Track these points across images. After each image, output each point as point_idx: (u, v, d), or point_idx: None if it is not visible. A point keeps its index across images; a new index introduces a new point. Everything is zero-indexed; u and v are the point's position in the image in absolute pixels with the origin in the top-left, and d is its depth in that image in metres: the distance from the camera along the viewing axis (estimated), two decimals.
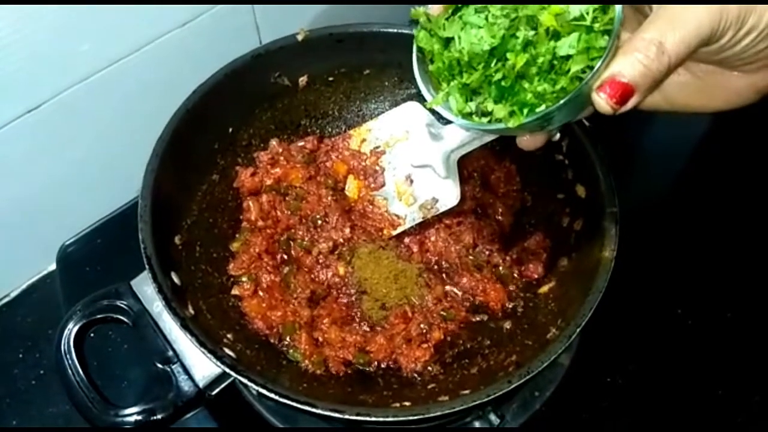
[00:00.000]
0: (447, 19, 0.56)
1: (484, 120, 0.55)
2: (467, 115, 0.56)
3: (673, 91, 0.54)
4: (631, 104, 0.48)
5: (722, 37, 0.47)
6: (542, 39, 0.51)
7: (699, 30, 0.46)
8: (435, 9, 0.57)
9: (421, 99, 0.84)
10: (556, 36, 0.51)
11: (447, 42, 0.56)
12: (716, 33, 0.46)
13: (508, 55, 0.52)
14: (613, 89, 0.47)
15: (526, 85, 0.52)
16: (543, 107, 0.51)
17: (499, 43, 0.52)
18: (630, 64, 0.47)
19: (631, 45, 0.47)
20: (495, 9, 0.54)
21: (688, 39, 0.46)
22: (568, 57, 0.50)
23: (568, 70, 0.50)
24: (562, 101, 0.49)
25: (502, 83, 0.53)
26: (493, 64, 0.53)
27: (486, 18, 0.54)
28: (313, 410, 0.61)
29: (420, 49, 0.58)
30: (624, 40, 0.49)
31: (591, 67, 0.49)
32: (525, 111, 0.52)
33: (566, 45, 0.50)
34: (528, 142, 0.61)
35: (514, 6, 0.53)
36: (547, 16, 0.50)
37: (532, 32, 0.51)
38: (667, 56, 0.46)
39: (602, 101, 0.48)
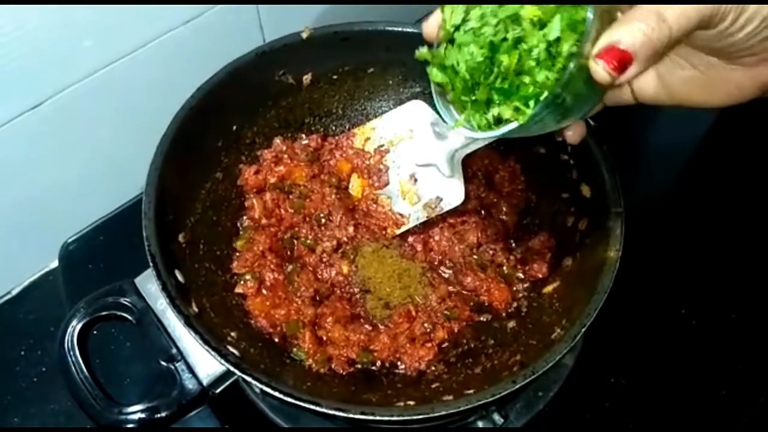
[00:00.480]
0: (446, 48, 0.57)
1: (501, 126, 0.55)
2: (488, 128, 0.57)
3: (675, 85, 0.54)
4: (630, 73, 0.48)
5: (723, 20, 0.47)
6: (530, 32, 0.51)
7: (699, 7, 0.46)
8: (428, 31, 0.58)
9: (425, 98, 0.84)
10: (543, 25, 0.51)
11: (455, 69, 0.57)
12: (717, 13, 0.46)
13: (502, 57, 0.53)
14: (611, 56, 0.47)
15: (527, 79, 0.52)
16: (546, 94, 0.51)
17: (489, 51, 0.53)
18: (629, 31, 0.47)
19: (631, 15, 0.47)
20: (475, 22, 0.55)
21: (689, 12, 0.46)
22: (559, 39, 0.50)
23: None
24: (563, 79, 0.49)
25: (503, 85, 0.54)
26: (493, 72, 0.54)
27: (473, 33, 0.55)
28: (317, 409, 0.60)
29: (439, 83, 0.60)
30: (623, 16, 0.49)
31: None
32: (531, 103, 0.52)
33: (554, 29, 0.50)
34: (572, 136, 0.61)
35: (493, 13, 0.53)
36: (528, 10, 0.51)
37: (518, 29, 0.52)
38: (668, 26, 0.46)
39: (600, 68, 0.47)
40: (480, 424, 0.79)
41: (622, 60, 0.47)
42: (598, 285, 0.68)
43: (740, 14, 0.47)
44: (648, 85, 0.56)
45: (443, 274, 0.83)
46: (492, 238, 0.85)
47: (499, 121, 0.56)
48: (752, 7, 0.46)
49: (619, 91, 0.59)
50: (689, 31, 0.47)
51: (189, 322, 0.64)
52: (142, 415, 0.67)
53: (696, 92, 0.54)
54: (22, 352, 0.89)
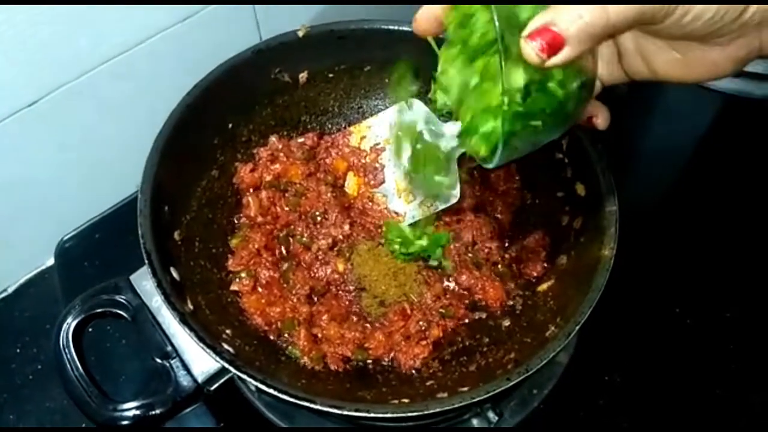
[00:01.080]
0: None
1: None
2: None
3: (657, 66, 0.55)
4: (562, 57, 0.46)
5: (669, 16, 0.47)
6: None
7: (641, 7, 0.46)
8: None
9: (421, 97, 0.84)
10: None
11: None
12: (660, 10, 0.46)
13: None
14: (541, 37, 0.46)
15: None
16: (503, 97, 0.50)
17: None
18: (565, 13, 0.46)
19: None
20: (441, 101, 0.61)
21: (629, 6, 0.46)
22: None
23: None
24: (503, 72, 0.48)
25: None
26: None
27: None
28: (312, 406, 0.61)
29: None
30: None
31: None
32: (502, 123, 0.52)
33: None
34: (601, 123, 0.60)
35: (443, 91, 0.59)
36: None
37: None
38: (606, 13, 0.45)
39: (529, 49, 0.46)
40: (475, 421, 0.79)
41: (552, 42, 0.46)
42: (593, 283, 0.68)
43: (687, 12, 0.46)
44: (636, 64, 0.57)
45: (438, 273, 0.83)
46: (487, 237, 0.85)
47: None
48: (697, 7, 0.46)
49: (610, 69, 0.58)
50: (630, 22, 0.47)
51: (184, 319, 0.64)
52: (137, 412, 0.67)
53: (676, 70, 0.54)
54: (18, 350, 0.89)
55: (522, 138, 0.53)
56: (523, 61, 0.48)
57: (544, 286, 0.78)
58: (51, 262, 0.96)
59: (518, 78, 0.49)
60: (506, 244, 0.85)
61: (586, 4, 0.46)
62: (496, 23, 0.47)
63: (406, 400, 0.65)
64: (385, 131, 0.86)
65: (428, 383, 0.72)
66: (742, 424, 0.82)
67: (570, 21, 0.46)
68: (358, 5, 1.01)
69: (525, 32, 0.47)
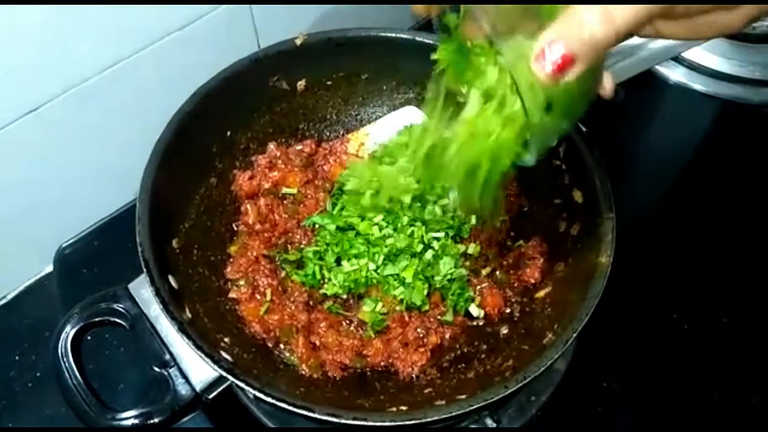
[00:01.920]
0: None
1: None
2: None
3: (664, 29, 0.53)
4: (575, 72, 0.46)
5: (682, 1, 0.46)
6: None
7: (650, 6, 0.45)
8: None
9: (419, 104, 0.85)
10: None
11: None
12: (672, 7, 0.46)
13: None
14: (550, 58, 0.45)
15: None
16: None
17: None
18: (570, 28, 0.45)
19: (574, 9, 0.45)
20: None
21: (637, 9, 0.44)
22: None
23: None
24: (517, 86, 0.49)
25: None
26: None
27: None
28: (310, 414, 0.61)
29: None
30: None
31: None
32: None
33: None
34: (605, 92, 0.58)
35: None
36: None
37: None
38: (614, 25, 0.44)
39: (540, 71, 0.46)
40: (473, 428, 0.79)
41: (563, 61, 0.45)
42: (590, 290, 0.68)
43: None
44: (644, 29, 0.56)
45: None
46: (485, 244, 0.85)
47: None
48: None
49: None
50: (638, 24, 0.45)
51: (182, 327, 0.64)
52: (136, 421, 0.67)
53: (684, 33, 0.53)
54: (17, 357, 0.89)
55: (551, 134, 0.54)
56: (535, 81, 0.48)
57: (541, 293, 0.78)
58: (50, 269, 0.96)
59: (538, 97, 0.49)
60: (504, 251, 0.85)
61: (590, 13, 0.44)
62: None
63: (404, 408, 0.65)
64: (383, 138, 0.86)
65: (426, 390, 0.72)
66: (742, 427, 0.82)
67: (577, 37, 0.45)
68: (355, 12, 1.01)
69: (533, 56, 0.46)
